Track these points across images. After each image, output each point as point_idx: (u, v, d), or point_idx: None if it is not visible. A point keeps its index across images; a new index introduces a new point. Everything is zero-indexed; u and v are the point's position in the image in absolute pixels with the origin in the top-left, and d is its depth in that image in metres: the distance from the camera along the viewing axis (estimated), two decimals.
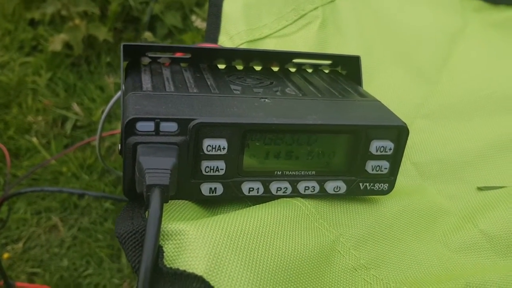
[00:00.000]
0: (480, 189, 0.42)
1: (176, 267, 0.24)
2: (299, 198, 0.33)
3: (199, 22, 1.12)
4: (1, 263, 0.73)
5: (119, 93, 0.46)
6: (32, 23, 1.31)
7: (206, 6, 1.20)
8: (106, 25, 1.22)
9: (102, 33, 1.18)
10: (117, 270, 0.92)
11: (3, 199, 0.71)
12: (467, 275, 0.33)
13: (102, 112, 1.11)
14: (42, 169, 1.01)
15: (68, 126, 1.10)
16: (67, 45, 1.20)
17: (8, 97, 1.17)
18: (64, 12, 1.19)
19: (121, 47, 0.35)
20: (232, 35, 0.49)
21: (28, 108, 1.15)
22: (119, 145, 0.35)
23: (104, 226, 0.97)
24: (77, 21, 1.16)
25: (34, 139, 1.08)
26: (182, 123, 0.29)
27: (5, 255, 0.93)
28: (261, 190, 0.32)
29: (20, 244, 0.95)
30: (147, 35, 1.14)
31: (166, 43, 1.20)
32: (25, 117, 1.12)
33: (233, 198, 0.33)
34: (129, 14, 1.25)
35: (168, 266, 0.24)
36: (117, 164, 1.02)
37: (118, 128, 1.01)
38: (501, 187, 0.41)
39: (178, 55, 0.40)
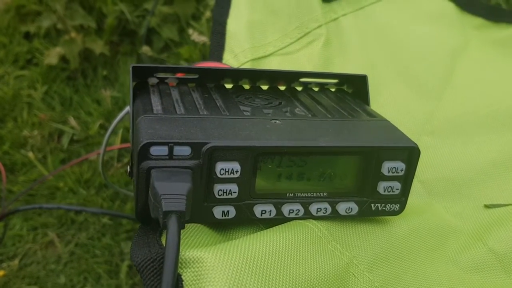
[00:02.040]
0: (487, 206, 0.42)
1: None
2: (311, 220, 0.33)
3: (196, 36, 1.12)
4: None
5: (124, 110, 0.46)
6: (27, 36, 1.30)
7: (203, 19, 1.20)
8: (103, 39, 1.21)
9: (99, 47, 1.17)
10: (115, 286, 0.91)
11: (1, 217, 0.70)
12: None
13: (99, 126, 1.10)
14: (38, 184, 1.00)
15: (65, 140, 1.09)
16: (63, 59, 1.19)
17: (3, 111, 1.16)
18: (60, 26, 1.19)
19: (130, 68, 0.35)
20: (237, 53, 0.49)
21: (24, 122, 1.14)
22: (128, 167, 0.35)
23: (102, 241, 0.96)
24: (73, 34, 1.16)
25: (30, 154, 1.07)
26: (196, 147, 0.29)
27: (1, 273, 0.91)
28: (274, 213, 0.32)
29: (16, 261, 0.93)
30: (145, 49, 1.14)
31: (163, 57, 1.20)
32: (20, 131, 1.11)
33: (245, 221, 0.33)
34: (126, 27, 1.25)
35: None
36: (115, 179, 1.01)
37: (115, 143, 1.01)
38: (507, 205, 0.42)
39: (180, 75, 0.40)
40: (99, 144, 1.07)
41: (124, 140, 1.06)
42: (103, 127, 1.12)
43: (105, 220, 0.98)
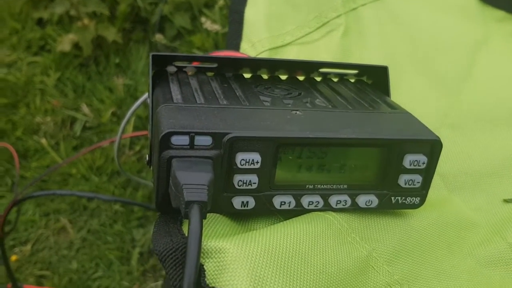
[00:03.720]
0: (506, 201, 0.41)
1: (219, 287, 0.23)
2: (330, 212, 0.33)
3: (209, 24, 1.12)
4: (10, 266, 0.72)
5: (142, 98, 0.46)
6: (40, 22, 1.30)
7: (216, 8, 1.20)
8: (115, 26, 1.21)
9: (111, 34, 1.17)
10: (126, 272, 0.91)
11: (14, 203, 0.70)
12: None
13: (112, 113, 1.11)
14: (51, 171, 1.01)
15: (77, 127, 1.10)
16: (76, 46, 1.19)
17: (15, 97, 1.16)
18: (73, 12, 1.19)
19: (150, 57, 0.35)
20: (254, 42, 0.48)
21: (36, 109, 1.14)
22: (147, 156, 0.35)
23: (114, 228, 0.97)
24: (86, 21, 1.16)
25: (43, 140, 1.07)
26: (217, 137, 0.29)
27: (13, 258, 0.92)
28: (293, 204, 0.32)
29: (28, 246, 0.94)
30: (158, 37, 1.13)
31: (176, 45, 1.20)
32: (33, 117, 1.12)
33: (264, 212, 0.33)
34: (138, 14, 1.25)
35: (211, 285, 0.23)
36: (126, 166, 1.01)
37: (128, 132, 1.01)
38: None
39: (195, 64, 0.40)
40: (111, 132, 1.07)
41: (135, 128, 1.06)
42: (115, 115, 1.12)
43: (117, 207, 0.99)
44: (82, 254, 0.94)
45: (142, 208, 0.99)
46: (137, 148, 1.06)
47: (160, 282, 0.91)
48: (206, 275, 0.24)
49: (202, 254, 0.25)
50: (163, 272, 0.93)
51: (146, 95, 0.43)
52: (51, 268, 0.92)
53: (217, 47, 1.14)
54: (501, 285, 0.35)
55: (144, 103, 0.45)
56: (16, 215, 0.89)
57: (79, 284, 0.89)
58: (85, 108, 1.11)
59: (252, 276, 0.24)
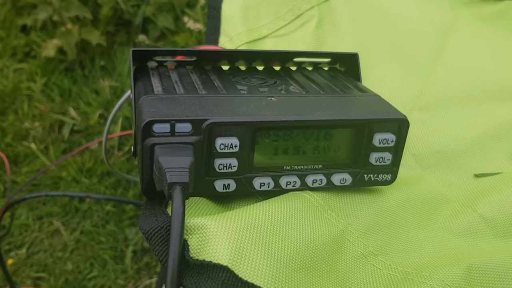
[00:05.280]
0: (477, 176, 0.44)
1: (202, 259, 0.25)
2: (307, 191, 0.35)
3: (191, 24, 1.13)
4: (6, 269, 0.73)
5: (126, 94, 0.47)
6: (24, 29, 1.31)
7: (198, 7, 1.21)
8: (99, 29, 1.22)
9: (95, 37, 1.18)
10: (121, 271, 0.93)
11: (8, 205, 0.72)
12: (469, 258, 0.35)
13: (99, 116, 1.12)
14: (42, 174, 1.02)
15: (66, 131, 1.11)
16: (60, 50, 1.20)
17: (3, 104, 1.17)
18: (56, 18, 1.20)
19: (131, 52, 0.37)
20: (232, 36, 0.50)
21: (25, 115, 1.15)
22: (132, 147, 0.37)
23: (106, 228, 0.98)
24: (69, 26, 1.17)
25: (32, 145, 1.08)
26: (196, 124, 0.31)
27: (9, 261, 0.94)
28: (272, 185, 0.34)
29: (24, 250, 0.95)
30: (142, 38, 1.15)
31: (160, 46, 1.21)
32: (22, 123, 1.13)
33: (245, 194, 0.34)
34: (121, 17, 1.26)
35: (194, 258, 0.25)
36: (116, 167, 1.03)
37: (115, 132, 1.02)
38: (496, 173, 0.43)
39: (179, 58, 0.42)
40: (99, 134, 1.09)
41: (123, 129, 1.08)
42: (103, 117, 1.14)
43: (108, 207, 1.00)
44: (77, 255, 0.95)
45: (134, 207, 1.00)
46: (126, 148, 1.07)
47: (154, 279, 0.93)
48: (190, 249, 0.26)
49: (185, 231, 0.27)
50: (158, 269, 0.95)
51: (129, 92, 0.45)
52: (47, 270, 0.93)
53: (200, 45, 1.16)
54: (474, 253, 0.37)
55: (128, 100, 0.47)
56: (10, 220, 0.90)
57: (75, 284, 0.91)
58: (72, 112, 1.12)
59: (233, 248, 0.26)
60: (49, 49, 1.19)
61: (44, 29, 1.28)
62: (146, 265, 0.95)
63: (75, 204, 1.01)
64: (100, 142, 0.95)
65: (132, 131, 0.67)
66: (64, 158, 0.98)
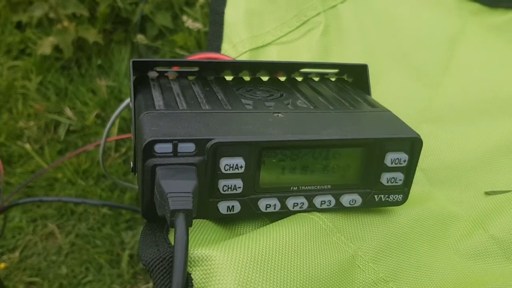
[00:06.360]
0: (487, 193, 0.42)
1: None
2: (315, 213, 0.33)
3: (190, 23, 1.11)
4: None
5: (124, 103, 0.46)
6: (19, 26, 1.29)
7: (197, 5, 1.19)
8: (96, 27, 1.20)
9: (92, 35, 1.16)
10: (117, 275, 0.91)
11: (0, 210, 0.70)
12: (481, 284, 0.34)
13: (96, 116, 1.10)
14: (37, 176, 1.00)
15: (61, 131, 1.09)
16: (56, 48, 1.18)
17: None
18: (52, 15, 1.17)
19: (130, 63, 0.35)
20: (235, 43, 0.48)
21: (19, 114, 1.13)
22: (131, 163, 0.35)
23: (102, 231, 0.96)
24: (66, 23, 1.15)
25: (27, 145, 1.06)
26: (200, 143, 0.29)
27: (2, 265, 0.92)
28: (278, 206, 0.32)
29: (17, 253, 0.94)
30: (140, 37, 1.13)
31: (158, 44, 1.19)
32: (16, 122, 1.11)
33: (250, 215, 0.33)
34: (119, 15, 1.24)
35: None
36: (113, 169, 1.01)
37: (113, 134, 1.01)
38: (507, 191, 0.42)
39: (177, 68, 0.40)
40: (96, 134, 1.07)
41: (120, 130, 1.06)
42: (99, 117, 1.12)
43: (104, 210, 0.98)
44: (72, 259, 0.93)
45: (130, 211, 0.98)
46: (123, 150, 1.05)
47: (151, 284, 0.91)
48: (194, 283, 0.24)
49: (189, 263, 0.26)
50: None
51: (128, 100, 0.43)
52: (41, 274, 0.91)
53: (199, 46, 1.14)
54: (482, 277, 0.36)
55: (128, 106, 0.45)
56: (3, 223, 0.88)
57: None
58: (68, 112, 1.10)
59: (239, 282, 0.24)
60: (45, 46, 1.17)
61: (40, 26, 1.26)
62: (143, 270, 0.93)
63: (71, 207, 0.99)
64: (97, 144, 0.94)
65: (130, 135, 0.65)
66: (61, 161, 0.96)
